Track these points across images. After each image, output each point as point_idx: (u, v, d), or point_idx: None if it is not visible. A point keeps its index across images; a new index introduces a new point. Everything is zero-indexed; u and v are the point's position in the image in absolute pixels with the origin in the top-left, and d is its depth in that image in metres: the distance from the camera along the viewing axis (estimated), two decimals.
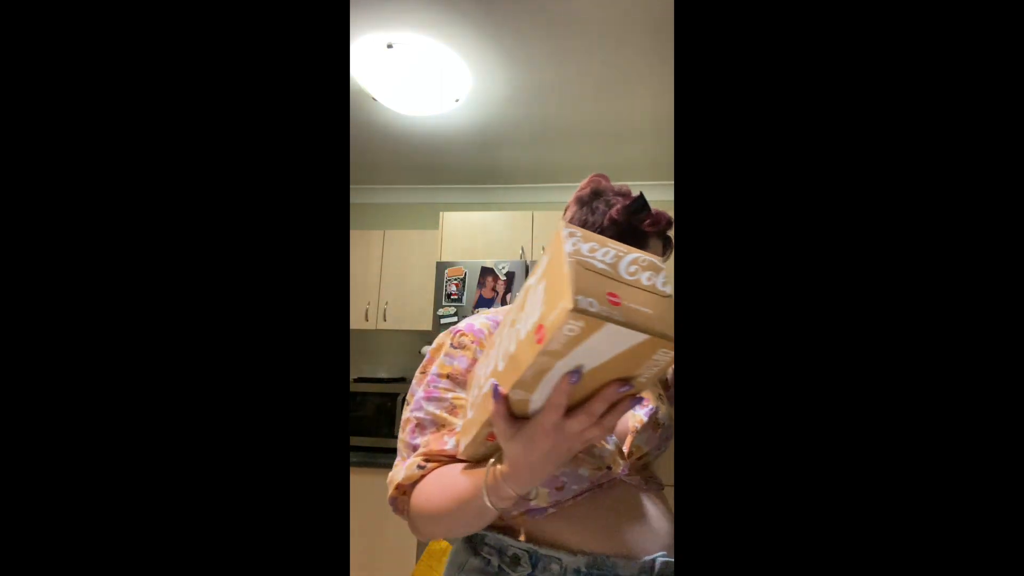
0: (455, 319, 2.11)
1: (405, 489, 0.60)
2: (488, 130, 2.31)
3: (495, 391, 0.44)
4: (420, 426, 0.61)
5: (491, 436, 0.50)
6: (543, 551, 0.57)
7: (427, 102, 2.02)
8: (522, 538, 0.59)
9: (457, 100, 2.04)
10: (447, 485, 0.55)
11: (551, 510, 0.59)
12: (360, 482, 2.20)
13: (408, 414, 0.64)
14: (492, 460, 0.51)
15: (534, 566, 0.57)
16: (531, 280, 0.45)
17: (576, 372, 0.40)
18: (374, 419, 2.39)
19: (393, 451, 2.36)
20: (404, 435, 0.63)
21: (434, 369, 0.64)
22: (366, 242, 2.68)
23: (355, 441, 2.39)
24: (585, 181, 0.73)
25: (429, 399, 0.62)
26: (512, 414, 0.45)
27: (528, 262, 2.14)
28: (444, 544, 1.94)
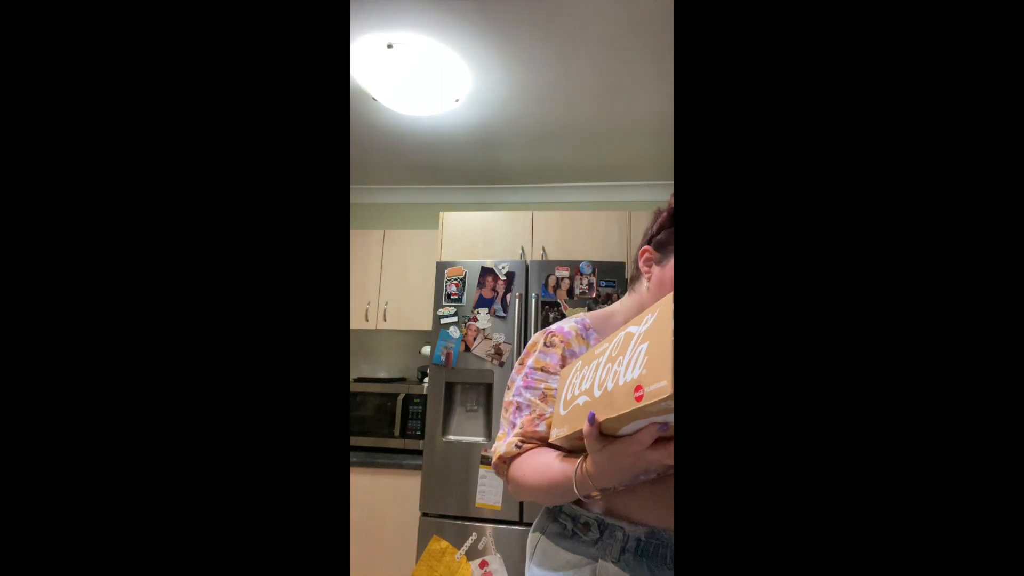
0: (455, 319, 2.11)
1: (506, 460, 0.74)
2: (488, 130, 2.31)
3: (591, 417, 0.54)
4: (519, 408, 0.76)
5: (580, 437, 0.59)
6: (609, 520, 0.68)
7: (427, 102, 2.02)
8: (594, 509, 0.70)
9: (457, 100, 2.04)
10: (541, 468, 0.68)
11: (619, 488, 0.69)
12: (360, 482, 2.20)
13: (510, 398, 0.78)
14: (581, 459, 0.61)
15: (602, 532, 0.68)
16: (634, 328, 0.53)
17: (665, 424, 0.50)
18: (374, 419, 2.39)
19: (394, 451, 2.37)
20: (507, 414, 0.77)
21: (531, 362, 0.78)
22: (366, 242, 2.68)
23: (355, 441, 2.38)
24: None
25: (527, 387, 0.76)
26: (601, 432, 0.56)
27: (528, 262, 2.14)
28: (444, 544, 1.94)
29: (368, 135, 2.38)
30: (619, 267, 2.09)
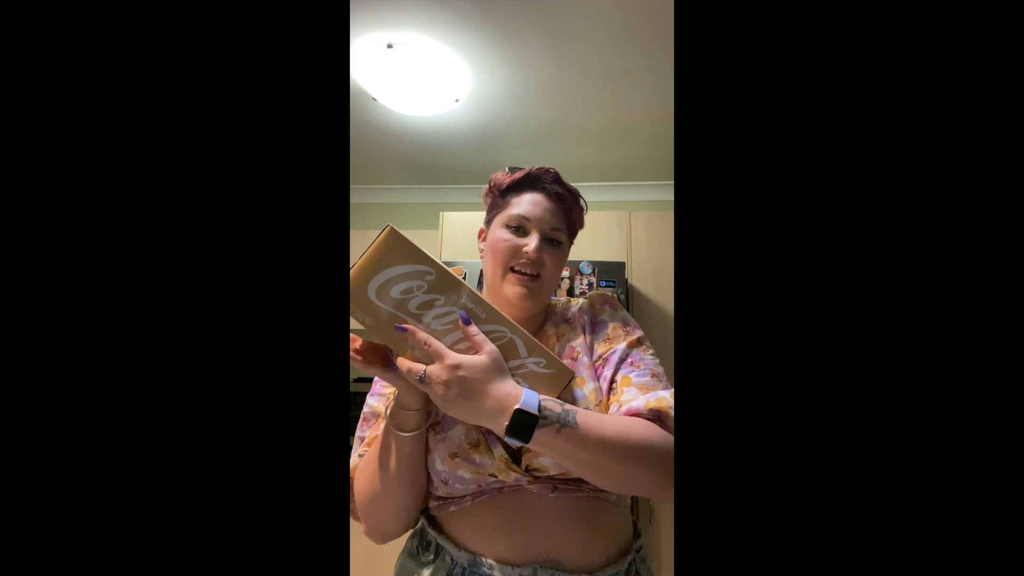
0: None
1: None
2: (488, 130, 2.31)
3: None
4: (365, 419, 0.72)
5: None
6: (441, 541, 0.63)
7: (427, 102, 2.02)
8: (433, 528, 0.65)
9: (457, 100, 2.04)
10: (375, 447, 0.64)
11: (452, 508, 0.63)
12: None
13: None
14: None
15: (436, 554, 0.63)
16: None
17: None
18: None
19: None
20: (358, 433, 0.71)
21: None
22: (366, 242, 2.65)
23: None
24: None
25: (373, 394, 0.73)
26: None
27: None
28: None
29: (368, 135, 2.38)
30: (619, 267, 2.09)
